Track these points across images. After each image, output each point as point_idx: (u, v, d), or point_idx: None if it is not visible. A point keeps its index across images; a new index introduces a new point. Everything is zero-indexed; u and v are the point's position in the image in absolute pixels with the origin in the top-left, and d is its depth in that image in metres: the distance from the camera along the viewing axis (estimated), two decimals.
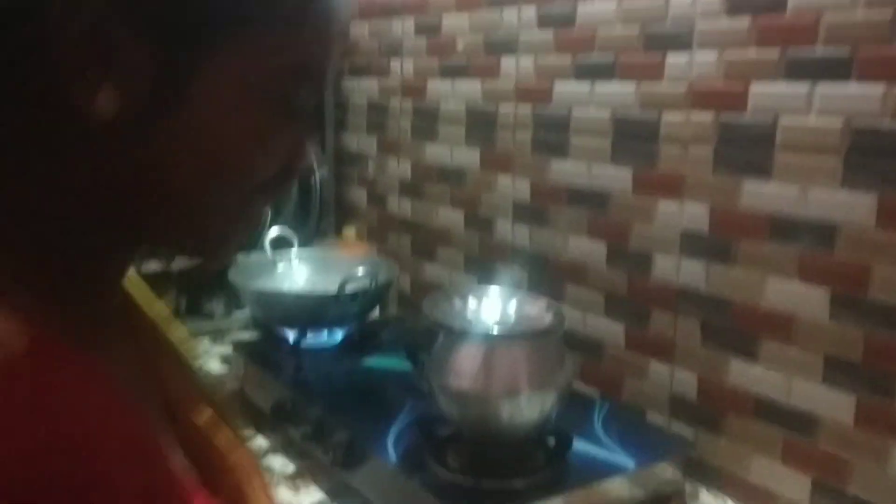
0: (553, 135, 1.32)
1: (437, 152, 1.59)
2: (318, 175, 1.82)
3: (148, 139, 0.40)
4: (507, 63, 1.39)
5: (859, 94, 0.91)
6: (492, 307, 1.02)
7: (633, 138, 1.18)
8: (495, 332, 0.97)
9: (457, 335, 0.98)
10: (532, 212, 1.38)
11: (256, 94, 0.43)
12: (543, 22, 1.32)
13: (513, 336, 0.97)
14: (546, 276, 1.35)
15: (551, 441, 1.02)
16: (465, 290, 1.05)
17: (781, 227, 1.00)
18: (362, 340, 1.42)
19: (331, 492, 1.10)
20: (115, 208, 0.43)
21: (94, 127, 0.39)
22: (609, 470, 1.02)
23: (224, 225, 0.46)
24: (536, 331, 0.97)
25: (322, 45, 0.45)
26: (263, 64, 0.42)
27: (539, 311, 1.02)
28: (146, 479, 0.39)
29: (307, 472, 1.15)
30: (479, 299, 1.03)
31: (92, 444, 0.36)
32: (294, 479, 1.14)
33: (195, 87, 0.40)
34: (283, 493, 1.11)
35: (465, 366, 0.97)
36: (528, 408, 0.96)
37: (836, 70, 0.93)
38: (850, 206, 0.93)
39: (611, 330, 1.25)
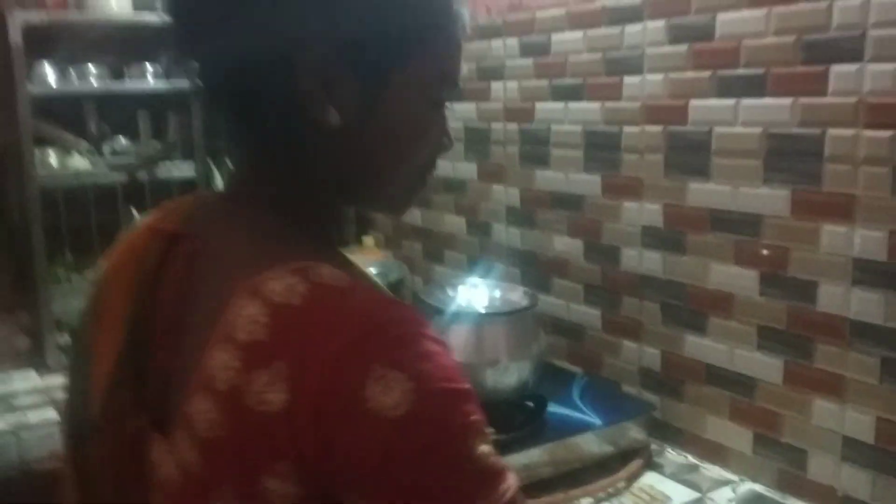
0: (537, 148, 1.52)
1: (442, 166, 1.80)
2: None
3: (360, 136, 0.60)
4: (496, 87, 1.60)
5: (773, 106, 1.10)
6: (478, 294, 1.22)
7: (600, 149, 1.38)
8: (480, 313, 1.17)
9: (448, 316, 1.18)
10: (522, 215, 1.58)
11: (426, 95, 0.61)
12: (525, 51, 1.52)
13: (494, 316, 1.16)
14: (536, 270, 1.55)
15: (530, 404, 1.21)
16: (456, 281, 1.25)
17: (719, 220, 1.19)
18: None
19: None
20: (342, 183, 0.62)
21: (326, 131, 0.58)
22: (581, 428, 1.21)
23: (404, 190, 0.65)
24: (513, 311, 1.17)
25: (459, 51, 0.64)
26: (432, 72, 0.61)
27: (517, 296, 1.21)
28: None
29: None
30: (468, 288, 1.23)
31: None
32: None
33: (388, 97, 0.59)
34: None
35: (455, 341, 1.17)
36: (508, 375, 1.16)
37: (754, 87, 1.12)
38: (771, 200, 1.11)
39: (589, 315, 1.44)
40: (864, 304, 1.02)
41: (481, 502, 0.50)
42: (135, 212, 0.61)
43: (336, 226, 0.68)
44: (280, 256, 0.54)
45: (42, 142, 1.75)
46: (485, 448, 0.51)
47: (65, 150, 1.76)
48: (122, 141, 1.88)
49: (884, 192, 0.98)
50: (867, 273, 1.01)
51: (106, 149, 1.84)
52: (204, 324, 0.54)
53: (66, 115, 1.84)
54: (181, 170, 1.89)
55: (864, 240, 1.01)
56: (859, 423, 1.04)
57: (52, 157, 1.75)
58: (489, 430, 0.52)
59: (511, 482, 0.52)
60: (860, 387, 1.04)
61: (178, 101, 1.90)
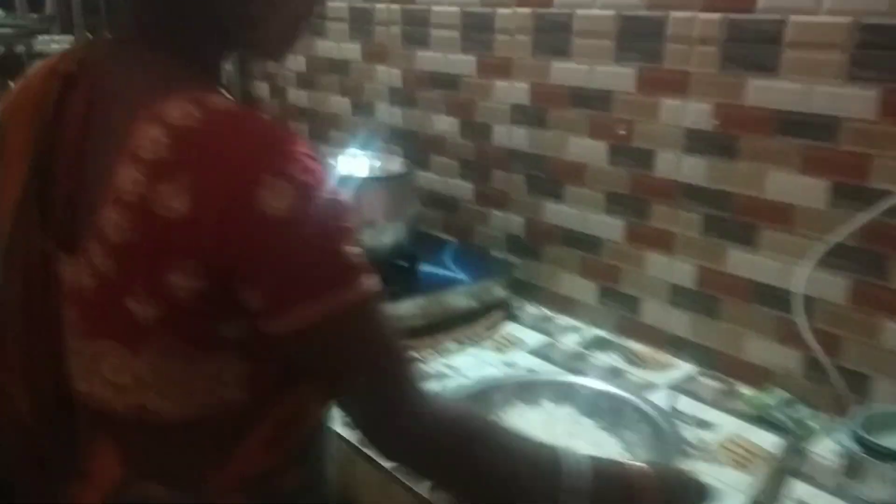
0: (417, 29, 1.59)
1: (327, 47, 1.85)
2: (224, 70, 2.04)
3: None
4: None
5: None
6: (358, 163, 1.31)
7: (475, 30, 1.46)
8: (358, 178, 1.27)
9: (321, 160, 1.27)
10: (404, 95, 1.65)
11: None
12: None
13: (371, 181, 1.26)
14: (416, 148, 1.64)
15: (404, 263, 1.33)
16: (340, 151, 1.34)
17: (577, 97, 1.31)
18: None
19: None
20: (221, 28, 0.67)
21: None
22: (449, 284, 1.34)
23: (281, 37, 0.71)
24: (389, 177, 1.27)
25: None
26: None
27: (394, 165, 1.32)
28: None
29: None
30: (348, 158, 1.32)
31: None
32: None
33: None
34: None
35: None
36: (384, 235, 1.27)
37: None
38: (620, 77, 1.24)
39: (463, 188, 1.56)
40: (692, 169, 1.18)
41: (342, 289, 0.60)
42: (11, 84, 0.65)
43: (219, 72, 0.74)
44: (176, 88, 0.62)
45: None
46: (353, 250, 0.61)
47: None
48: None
49: (713, 69, 1.12)
50: (696, 141, 1.16)
51: None
52: (108, 150, 0.61)
53: None
54: (59, 43, 1.86)
55: (695, 112, 1.16)
56: (684, 272, 1.22)
57: None
58: (361, 240, 0.63)
59: (373, 282, 0.63)
60: (686, 240, 1.21)
61: None
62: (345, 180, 1.27)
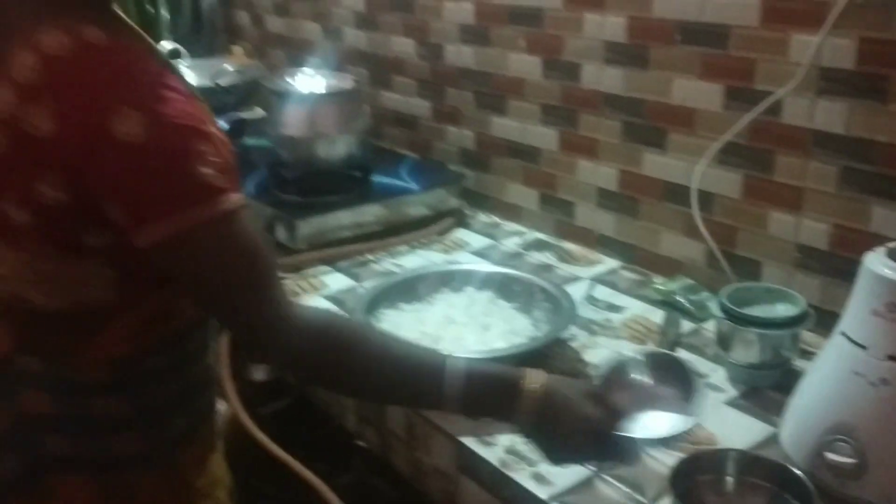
0: None
1: None
2: (205, 1, 2.15)
3: None
4: None
5: None
6: (313, 81, 1.43)
7: None
8: (311, 93, 1.38)
9: (286, 98, 1.39)
10: (367, 20, 1.75)
11: None
12: None
13: (322, 96, 1.38)
14: (379, 69, 1.75)
15: (357, 173, 1.46)
16: (295, 71, 1.45)
17: (515, 15, 1.40)
18: (242, 128, 1.82)
19: None
20: None
21: None
22: (402, 192, 1.47)
23: None
24: (339, 91, 1.39)
25: None
26: None
27: (346, 82, 1.43)
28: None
29: None
30: (304, 77, 1.43)
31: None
32: None
33: None
34: None
35: (293, 119, 1.39)
36: (336, 147, 1.40)
37: None
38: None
39: (421, 106, 1.67)
40: (611, 79, 1.28)
41: (195, 206, 0.67)
42: None
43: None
44: (54, 12, 0.68)
45: None
46: (209, 171, 0.67)
47: None
48: None
49: None
50: (614, 53, 1.26)
51: None
52: None
53: None
54: None
55: (612, 25, 1.25)
56: (609, 175, 1.33)
57: None
58: (221, 162, 0.69)
59: (233, 200, 0.69)
60: (609, 146, 1.32)
61: None
62: (298, 96, 1.39)
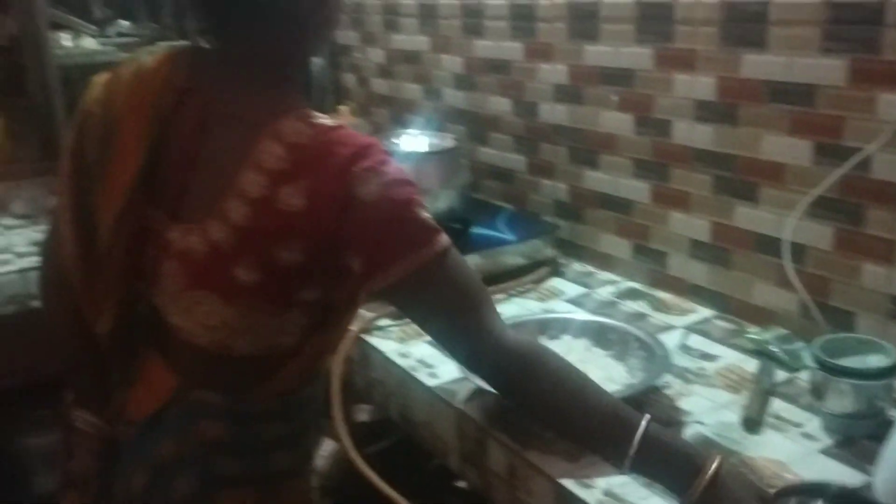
0: (473, 20, 1.79)
1: (400, 40, 2.08)
2: (316, 63, 2.31)
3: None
4: None
5: None
6: (416, 141, 1.54)
7: (522, 19, 1.65)
8: (415, 152, 1.49)
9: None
10: (465, 81, 1.86)
11: None
12: None
13: (426, 154, 1.49)
14: (476, 126, 1.85)
15: (458, 225, 1.55)
16: (399, 132, 1.57)
17: (607, 76, 1.48)
18: None
19: None
20: (297, 45, 0.90)
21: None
22: (499, 243, 1.55)
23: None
24: (441, 150, 1.49)
25: None
26: None
27: (447, 141, 1.53)
28: None
29: None
30: (408, 137, 1.55)
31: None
32: None
33: None
34: None
35: None
36: (438, 201, 1.49)
37: None
38: (638, 56, 1.40)
39: (517, 160, 1.76)
40: (702, 135, 1.33)
41: (423, 247, 0.81)
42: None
43: (303, 75, 0.97)
44: (283, 106, 0.83)
45: (56, 27, 2.03)
46: (427, 215, 0.82)
47: (76, 33, 2.03)
48: (123, 24, 2.16)
49: (714, 47, 1.27)
50: (704, 111, 1.32)
51: (110, 31, 2.12)
52: (230, 157, 0.84)
53: (74, 2, 2.11)
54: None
55: (702, 85, 1.31)
56: (700, 227, 1.37)
57: (66, 40, 2.03)
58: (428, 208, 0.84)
59: (445, 238, 0.83)
60: (700, 199, 1.36)
61: None
62: (406, 156, 1.50)
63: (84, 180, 0.92)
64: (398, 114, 2.16)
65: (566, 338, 1.21)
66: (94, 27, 2.10)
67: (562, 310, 1.42)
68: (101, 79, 0.95)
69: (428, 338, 1.33)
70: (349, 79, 2.39)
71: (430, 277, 0.82)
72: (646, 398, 1.09)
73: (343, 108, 2.33)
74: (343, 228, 0.80)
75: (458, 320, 0.84)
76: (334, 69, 2.41)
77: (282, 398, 0.92)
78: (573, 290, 1.52)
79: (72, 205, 0.94)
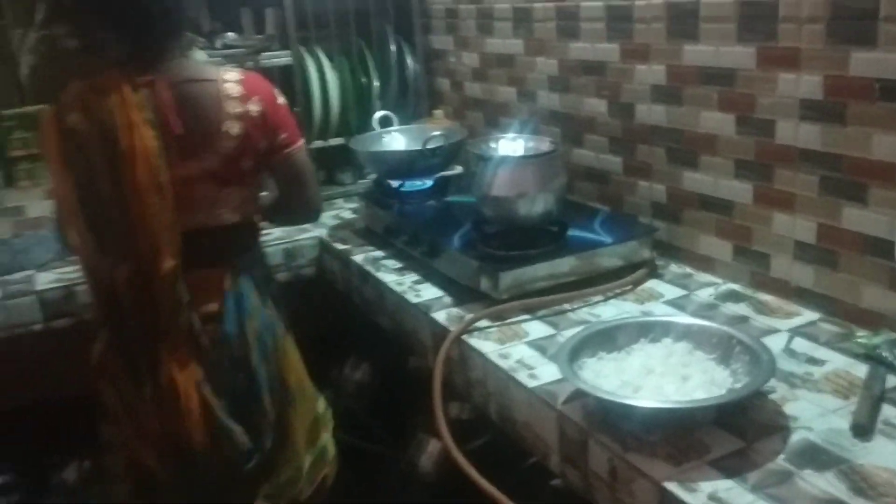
0: (569, 24, 1.80)
1: (492, 44, 2.10)
2: (411, 69, 2.37)
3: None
4: None
5: None
6: (514, 145, 1.56)
7: (619, 20, 1.65)
8: (512, 156, 1.51)
9: (491, 161, 1.53)
10: (560, 83, 1.87)
11: None
12: None
13: (522, 158, 1.50)
14: (571, 128, 1.85)
15: (554, 228, 1.56)
16: (497, 136, 1.59)
17: (705, 74, 1.46)
18: (446, 185, 1.99)
19: (423, 275, 1.70)
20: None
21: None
22: (596, 245, 1.55)
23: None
24: (538, 154, 1.51)
25: None
26: None
27: (544, 145, 1.55)
28: None
29: (408, 265, 1.76)
30: (506, 141, 1.57)
31: None
32: (400, 271, 1.75)
33: None
34: (391, 277, 1.72)
35: (497, 180, 1.52)
36: (536, 205, 1.51)
37: None
38: (740, 55, 1.38)
39: (613, 162, 1.75)
40: (808, 135, 1.30)
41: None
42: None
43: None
44: (214, 68, 1.47)
45: None
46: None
47: (187, 45, 2.14)
48: (230, 35, 2.26)
49: (819, 45, 1.24)
50: (809, 110, 1.29)
51: (218, 43, 2.22)
52: (207, 108, 1.36)
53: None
54: (279, 57, 2.26)
55: (808, 83, 1.28)
56: (806, 229, 1.35)
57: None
58: None
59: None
60: (806, 200, 1.33)
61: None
62: (500, 160, 1.53)
63: (78, 172, 1.31)
64: (492, 117, 2.19)
65: (667, 341, 1.21)
66: (202, 39, 2.21)
67: (661, 312, 1.41)
68: (67, 109, 1.32)
69: (527, 339, 1.38)
70: (443, 83, 2.43)
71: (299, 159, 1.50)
72: (750, 403, 1.08)
73: (437, 112, 2.37)
74: (277, 116, 1.44)
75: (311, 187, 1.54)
76: (429, 74, 2.45)
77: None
78: (672, 292, 1.51)
79: (69, 190, 1.33)
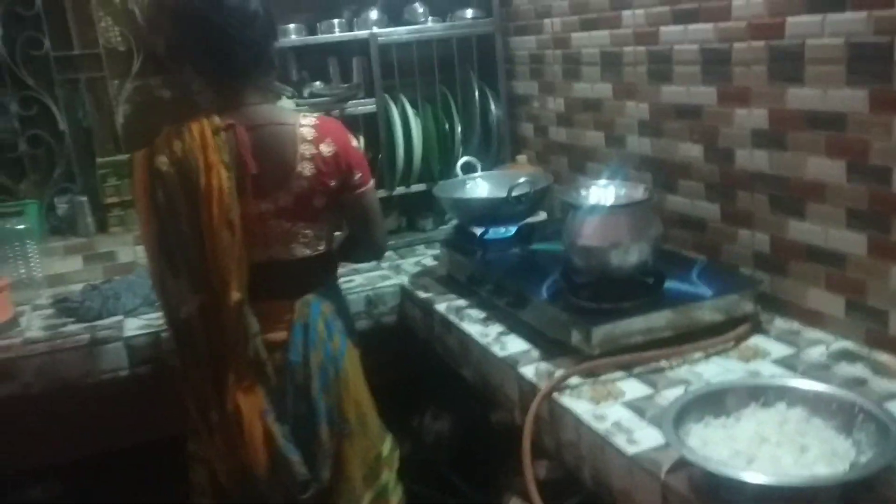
0: (662, 66, 1.74)
1: (581, 88, 2.06)
2: (494, 115, 2.34)
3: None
4: (627, 14, 1.82)
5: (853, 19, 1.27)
6: (606, 192, 1.50)
7: (714, 63, 1.58)
8: (604, 205, 1.45)
9: (581, 209, 1.47)
10: (651, 127, 1.81)
11: None
12: None
13: (615, 207, 1.44)
14: (664, 174, 1.78)
15: (650, 280, 1.48)
16: (587, 182, 1.53)
17: (813, 120, 1.38)
18: (531, 233, 1.94)
19: (509, 326, 1.64)
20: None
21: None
22: (695, 298, 1.47)
23: None
24: (631, 203, 1.44)
25: None
26: None
27: (637, 192, 1.48)
28: None
29: (492, 315, 1.70)
30: (598, 188, 1.51)
31: None
32: (484, 321, 1.69)
33: None
34: (475, 327, 1.67)
35: (588, 229, 1.46)
36: (629, 255, 1.44)
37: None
38: (852, 100, 1.29)
39: (709, 209, 1.67)
40: None
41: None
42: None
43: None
44: (294, 114, 1.55)
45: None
46: None
47: (275, 94, 2.17)
48: (318, 84, 2.28)
49: None
50: None
51: (306, 91, 2.25)
52: (283, 150, 1.45)
53: None
54: (364, 105, 2.27)
55: None
56: None
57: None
58: None
59: None
60: None
61: (360, 48, 2.27)
62: (592, 209, 1.47)
63: (161, 211, 1.41)
64: (578, 162, 2.14)
65: (780, 406, 1.12)
66: (291, 89, 2.24)
67: (769, 372, 1.32)
68: (156, 152, 1.42)
69: (624, 399, 1.30)
70: (527, 128, 2.39)
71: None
72: (877, 480, 0.98)
73: (521, 158, 2.33)
74: (349, 158, 1.51)
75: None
76: (512, 119, 2.42)
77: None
78: (779, 349, 1.41)
79: (154, 230, 1.44)
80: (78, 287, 2.08)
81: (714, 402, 1.14)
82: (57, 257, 2.17)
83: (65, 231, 2.24)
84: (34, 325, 1.89)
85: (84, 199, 2.21)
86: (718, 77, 1.58)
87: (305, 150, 1.45)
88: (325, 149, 1.46)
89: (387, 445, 1.61)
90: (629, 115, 1.88)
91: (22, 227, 2.07)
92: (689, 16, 1.64)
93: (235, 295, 1.39)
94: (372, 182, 1.57)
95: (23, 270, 2.08)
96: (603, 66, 1.95)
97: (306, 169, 1.44)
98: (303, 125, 1.47)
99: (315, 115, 1.54)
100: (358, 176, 1.52)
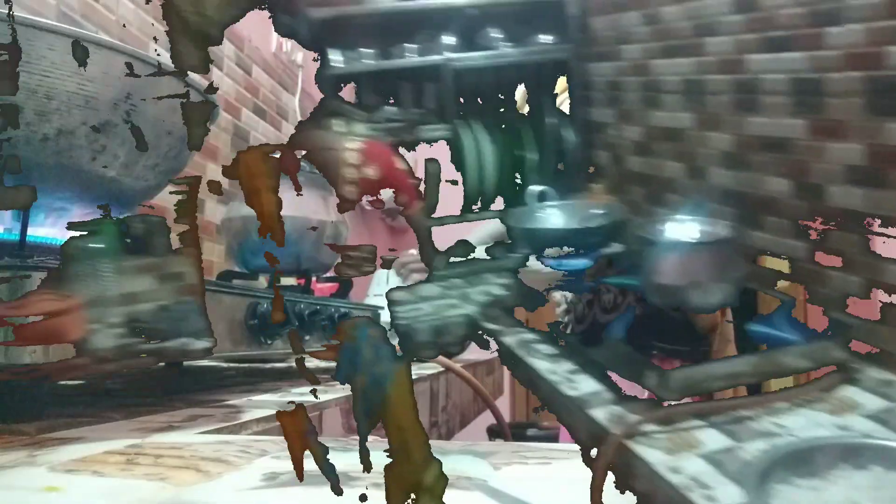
0: (749, 96, 1.66)
1: (656, 117, 1.98)
2: (569, 142, 2.29)
3: None
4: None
5: None
6: (685, 228, 1.42)
7: (805, 95, 1.50)
8: (683, 242, 1.38)
9: (660, 245, 1.40)
10: (735, 159, 1.72)
11: None
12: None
13: (695, 245, 1.37)
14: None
15: (731, 321, 1.40)
16: (665, 216, 1.47)
17: None
18: (605, 266, 1.87)
19: (579, 364, 1.57)
20: None
21: None
22: (779, 342, 1.38)
23: None
24: (712, 239, 1.37)
25: None
26: None
27: (719, 228, 1.40)
28: None
29: (562, 351, 1.63)
30: (676, 224, 1.44)
31: None
32: (554, 357, 1.62)
33: None
34: (543, 363, 1.60)
35: (664, 267, 1.39)
36: (710, 296, 1.36)
37: None
38: None
39: (796, 247, 1.58)
40: None
41: None
42: None
43: None
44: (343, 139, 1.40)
45: (332, 114, 2.19)
46: None
47: (348, 119, 2.17)
48: (390, 109, 2.28)
49: None
50: None
51: (378, 116, 2.24)
52: (327, 171, 1.22)
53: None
54: (436, 130, 2.25)
55: None
56: None
57: (339, 126, 2.18)
58: None
59: None
60: None
61: (432, 73, 2.25)
62: (670, 245, 1.40)
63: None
64: (655, 193, 2.06)
65: (877, 469, 1.02)
66: (364, 113, 2.24)
67: (860, 427, 1.21)
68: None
69: (702, 450, 1.22)
70: (602, 156, 2.32)
71: None
72: None
73: (596, 187, 2.27)
74: (394, 180, 1.30)
75: None
76: (587, 147, 2.36)
77: None
78: (873, 402, 1.30)
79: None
80: (150, 307, 2.11)
81: (801, 460, 1.05)
82: (129, 276, 2.21)
83: (139, 250, 2.28)
84: (105, 344, 1.93)
85: (159, 218, 2.25)
86: (809, 109, 1.50)
87: (349, 173, 1.45)
88: (370, 172, 1.47)
89: (431, 474, 1.58)
90: (712, 146, 1.80)
91: (97, 245, 2.12)
92: (780, 44, 1.56)
93: (279, 315, 1.43)
94: (419, 204, 1.59)
95: (96, 289, 2.12)
96: (685, 94, 1.88)
97: (350, 192, 1.46)
98: (348, 149, 1.50)
99: (362, 139, 1.58)
100: (401, 198, 1.53)
